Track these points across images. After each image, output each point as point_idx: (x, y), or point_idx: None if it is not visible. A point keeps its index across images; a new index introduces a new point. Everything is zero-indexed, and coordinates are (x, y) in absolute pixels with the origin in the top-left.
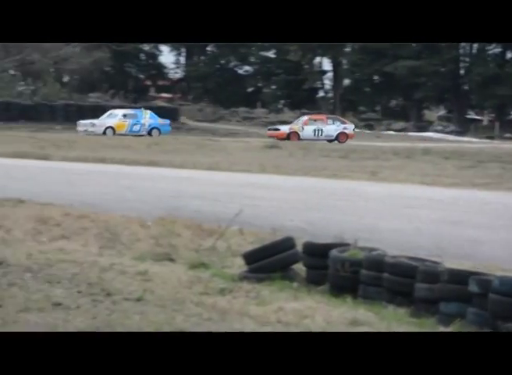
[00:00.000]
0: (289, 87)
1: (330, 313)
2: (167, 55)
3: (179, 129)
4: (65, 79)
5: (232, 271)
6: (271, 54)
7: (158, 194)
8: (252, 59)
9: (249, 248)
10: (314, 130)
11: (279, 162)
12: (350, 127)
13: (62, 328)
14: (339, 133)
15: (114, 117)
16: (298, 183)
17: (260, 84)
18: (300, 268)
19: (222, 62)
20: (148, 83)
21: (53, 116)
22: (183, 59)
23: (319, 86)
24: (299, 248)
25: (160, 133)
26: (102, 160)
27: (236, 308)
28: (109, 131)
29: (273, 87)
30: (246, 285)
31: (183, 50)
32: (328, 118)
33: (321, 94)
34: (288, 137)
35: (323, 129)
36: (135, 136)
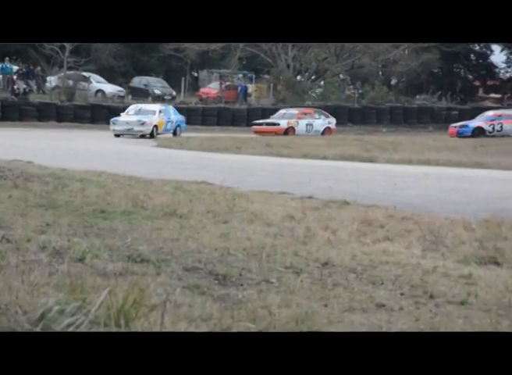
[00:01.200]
0: None
1: None
2: (498, 55)
3: None
4: (393, 82)
5: None
6: None
7: (483, 195)
8: None
9: None
10: (307, 125)
11: None
12: (332, 122)
13: (385, 329)
14: (325, 128)
15: (152, 114)
16: None
17: None
18: None
19: None
20: (477, 83)
21: (379, 119)
22: None
23: None
24: None
25: (181, 131)
26: (427, 162)
27: None
28: (155, 131)
29: None
30: None
31: None
32: (314, 112)
33: None
34: (286, 132)
35: (313, 123)
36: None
